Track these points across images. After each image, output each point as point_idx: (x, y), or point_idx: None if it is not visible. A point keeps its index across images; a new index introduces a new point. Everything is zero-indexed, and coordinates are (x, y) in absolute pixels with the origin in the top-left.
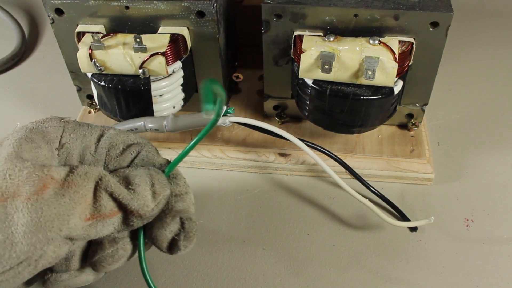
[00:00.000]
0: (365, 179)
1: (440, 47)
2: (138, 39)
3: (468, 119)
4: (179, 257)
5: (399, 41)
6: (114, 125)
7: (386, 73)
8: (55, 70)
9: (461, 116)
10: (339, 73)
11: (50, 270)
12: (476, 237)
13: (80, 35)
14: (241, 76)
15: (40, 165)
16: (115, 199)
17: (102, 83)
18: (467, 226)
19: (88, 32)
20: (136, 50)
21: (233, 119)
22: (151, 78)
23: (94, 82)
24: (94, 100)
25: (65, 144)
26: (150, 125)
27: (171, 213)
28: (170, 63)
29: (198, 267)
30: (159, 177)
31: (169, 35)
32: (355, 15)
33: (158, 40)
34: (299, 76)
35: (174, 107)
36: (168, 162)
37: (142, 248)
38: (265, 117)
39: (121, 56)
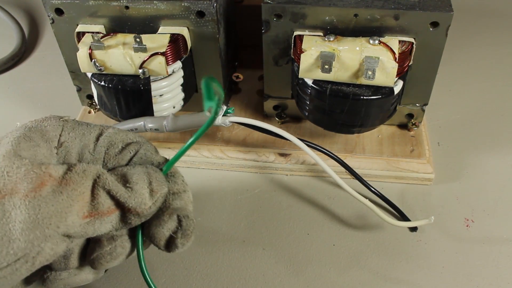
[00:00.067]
0: (365, 179)
1: (440, 47)
2: (138, 39)
3: (468, 119)
4: (179, 257)
5: (399, 41)
6: (114, 125)
7: (386, 73)
8: (55, 70)
9: (461, 116)
10: (339, 73)
11: (49, 268)
12: (476, 237)
13: (80, 35)
14: (241, 76)
15: (38, 163)
16: (113, 197)
17: (102, 83)
18: (467, 226)
19: (88, 32)
20: (136, 50)
21: (233, 119)
22: (151, 78)
23: (94, 82)
24: (94, 100)
25: (64, 143)
26: (150, 125)
27: (168, 210)
28: (170, 63)
29: (198, 267)
30: (156, 175)
31: (169, 35)
32: (355, 15)
33: (158, 40)
34: (299, 76)
35: (174, 107)
36: (166, 160)
37: (140, 246)
38: (265, 117)
39: (121, 56)
